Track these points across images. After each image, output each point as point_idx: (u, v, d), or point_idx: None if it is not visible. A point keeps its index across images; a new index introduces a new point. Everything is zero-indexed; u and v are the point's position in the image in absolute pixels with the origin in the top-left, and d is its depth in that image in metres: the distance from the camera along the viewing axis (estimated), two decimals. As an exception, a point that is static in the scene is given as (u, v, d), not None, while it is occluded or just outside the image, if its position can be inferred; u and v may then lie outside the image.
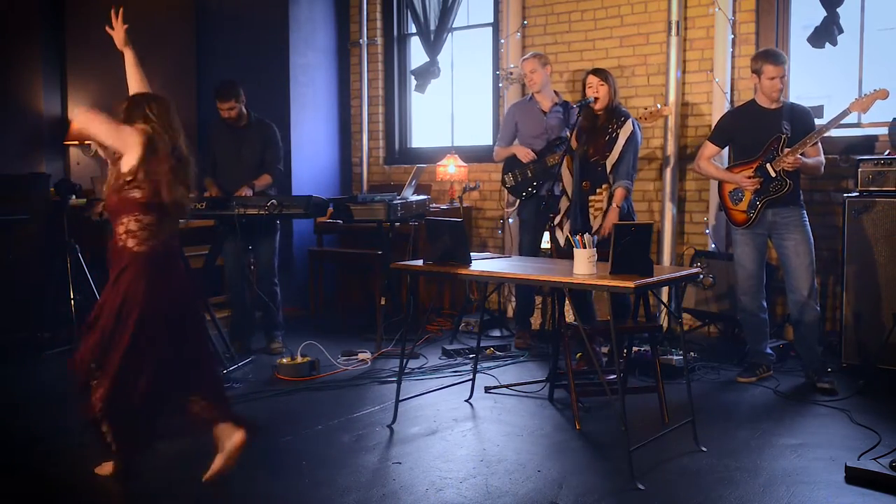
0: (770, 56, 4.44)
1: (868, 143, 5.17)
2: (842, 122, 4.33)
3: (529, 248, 5.41)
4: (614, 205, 4.71)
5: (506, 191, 5.70)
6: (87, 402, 3.06)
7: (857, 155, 4.91)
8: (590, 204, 4.77)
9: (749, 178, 4.45)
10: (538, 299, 5.73)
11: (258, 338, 5.56)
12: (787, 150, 4.34)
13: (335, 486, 3.18)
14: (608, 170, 4.72)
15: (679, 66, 5.73)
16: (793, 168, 4.34)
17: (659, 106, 5.55)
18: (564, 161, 4.83)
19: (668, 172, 5.76)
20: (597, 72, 4.80)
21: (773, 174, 4.40)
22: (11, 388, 4.69)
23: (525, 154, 5.34)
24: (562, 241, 4.80)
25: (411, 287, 5.17)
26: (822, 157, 4.50)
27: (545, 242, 5.30)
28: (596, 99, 4.73)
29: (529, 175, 5.37)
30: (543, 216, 5.05)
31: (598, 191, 4.75)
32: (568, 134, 4.98)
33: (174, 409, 3.17)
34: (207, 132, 5.76)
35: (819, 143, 4.44)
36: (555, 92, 5.55)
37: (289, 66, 6.91)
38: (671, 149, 5.73)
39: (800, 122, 4.44)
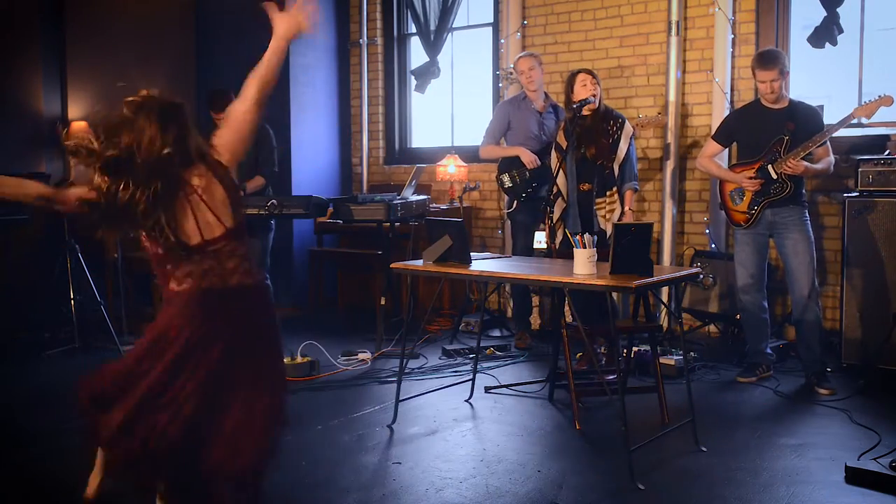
0: (760, 61, 4.38)
1: (880, 143, 5.08)
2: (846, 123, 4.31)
3: (524, 249, 5.38)
4: (628, 208, 4.70)
5: (502, 191, 5.59)
6: None
7: (865, 155, 4.87)
8: (597, 207, 4.73)
9: (750, 178, 4.44)
10: (535, 299, 5.72)
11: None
12: (790, 153, 4.32)
13: (335, 486, 3.18)
14: (616, 172, 4.70)
15: (679, 66, 5.73)
16: (795, 173, 4.33)
17: (659, 115, 5.57)
18: (558, 162, 4.73)
19: (668, 172, 5.75)
20: (588, 71, 4.70)
21: (774, 176, 4.39)
22: (11, 388, 4.69)
23: (531, 161, 5.22)
24: (557, 242, 4.75)
25: (411, 287, 5.17)
26: (832, 157, 4.47)
27: (537, 243, 5.24)
28: (594, 97, 4.69)
29: (528, 176, 5.29)
30: (542, 218, 4.94)
31: (607, 193, 4.69)
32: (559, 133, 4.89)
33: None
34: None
35: (828, 143, 4.42)
36: (545, 94, 5.52)
37: (289, 66, 6.90)
38: (671, 149, 5.73)
39: (806, 121, 4.39)
